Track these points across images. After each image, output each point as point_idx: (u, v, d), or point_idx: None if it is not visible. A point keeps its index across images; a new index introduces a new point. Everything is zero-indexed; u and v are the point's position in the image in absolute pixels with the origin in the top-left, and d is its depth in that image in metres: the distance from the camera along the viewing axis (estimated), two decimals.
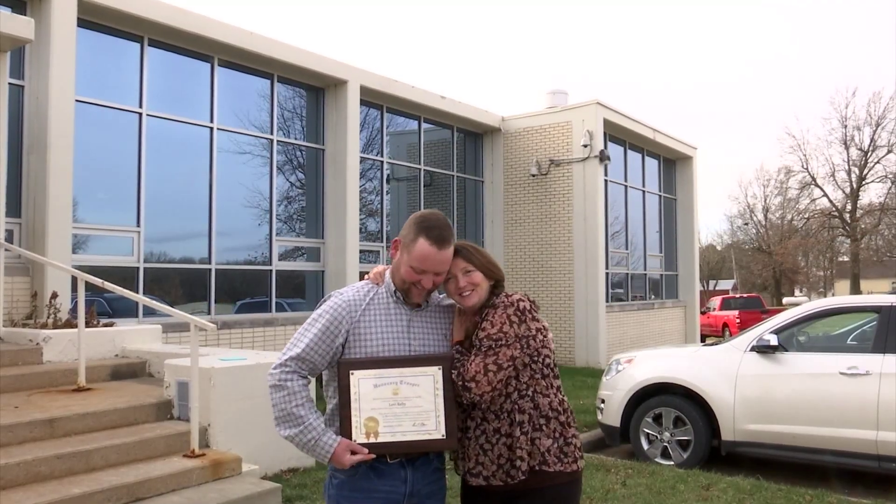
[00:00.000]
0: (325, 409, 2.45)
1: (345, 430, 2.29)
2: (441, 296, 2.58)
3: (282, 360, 2.33)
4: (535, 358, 2.44)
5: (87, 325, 6.14)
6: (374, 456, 2.27)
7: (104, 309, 8.20)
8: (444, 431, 2.30)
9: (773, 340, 6.20)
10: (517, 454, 2.35)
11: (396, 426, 2.29)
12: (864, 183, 38.63)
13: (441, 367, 2.33)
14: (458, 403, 2.41)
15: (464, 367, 2.35)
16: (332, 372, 2.40)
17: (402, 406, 2.30)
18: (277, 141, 10.57)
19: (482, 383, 2.32)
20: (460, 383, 2.33)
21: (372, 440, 2.28)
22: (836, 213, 40.25)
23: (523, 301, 2.45)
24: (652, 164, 17.31)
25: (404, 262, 2.38)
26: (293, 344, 2.36)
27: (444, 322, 2.51)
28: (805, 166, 40.67)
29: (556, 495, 2.40)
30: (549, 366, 2.48)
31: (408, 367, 2.31)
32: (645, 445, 6.69)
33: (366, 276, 2.54)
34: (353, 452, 2.26)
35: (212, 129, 9.65)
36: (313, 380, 2.43)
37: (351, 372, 2.29)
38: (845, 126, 38.25)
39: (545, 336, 2.48)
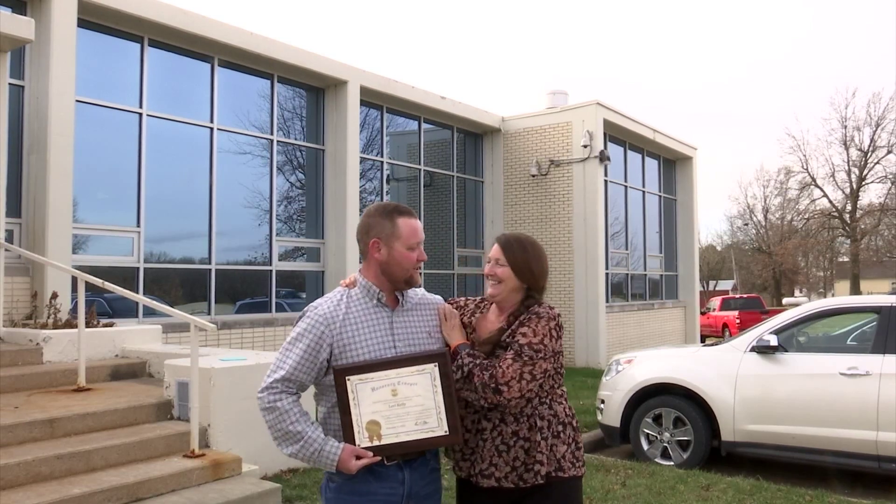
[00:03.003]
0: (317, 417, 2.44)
1: (347, 436, 2.27)
2: (420, 293, 2.56)
3: (267, 383, 2.30)
4: (558, 369, 2.50)
5: (87, 325, 6.14)
6: (379, 458, 2.27)
7: (104, 309, 8.20)
8: (446, 427, 2.29)
9: (773, 341, 6.20)
10: (536, 458, 2.37)
11: (399, 427, 2.28)
12: (863, 183, 38.71)
13: (437, 363, 2.31)
14: (467, 403, 2.42)
15: (497, 369, 2.34)
16: (320, 386, 2.39)
17: (403, 406, 2.28)
18: (277, 141, 10.57)
19: (514, 389, 2.33)
20: (493, 385, 2.32)
21: (376, 443, 2.27)
22: (835, 214, 40.29)
23: (560, 317, 2.50)
24: (652, 165, 17.31)
25: (398, 250, 2.39)
26: (277, 365, 2.33)
27: (426, 320, 2.50)
28: (805, 167, 40.79)
29: (562, 495, 2.43)
30: (562, 374, 2.56)
31: (404, 367, 2.30)
32: (645, 446, 6.69)
33: (340, 283, 2.52)
34: (358, 457, 2.25)
35: (212, 129, 9.65)
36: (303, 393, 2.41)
37: (347, 378, 2.27)
38: (845, 126, 38.38)
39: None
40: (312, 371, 2.32)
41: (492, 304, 2.60)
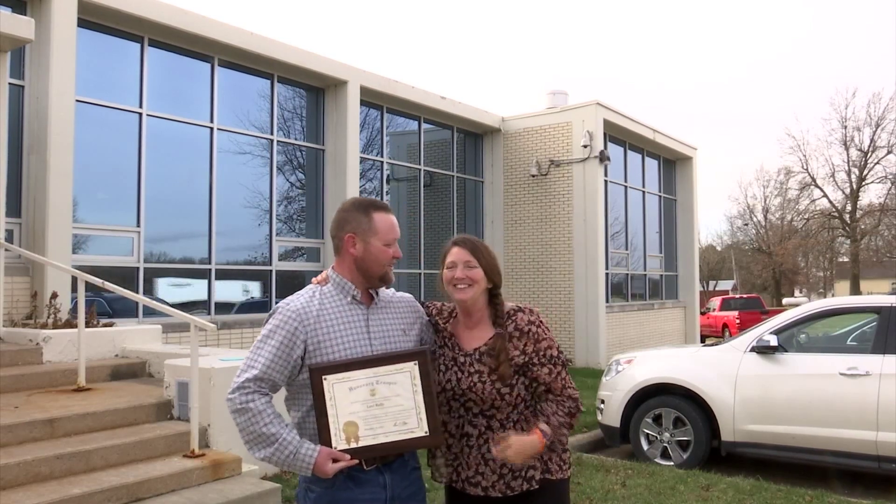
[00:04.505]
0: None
1: (323, 438, 2.19)
2: (391, 291, 2.51)
3: (238, 383, 2.20)
4: None
5: (87, 325, 6.14)
6: (357, 461, 2.20)
7: (104, 309, 8.20)
8: (426, 428, 2.22)
9: (773, 341, 6.20)
10: (529, 462, 2.34)
11: (377, 428, 2.20)
12: (863, 184, 38.68)
13: (417, 362, 2.24)
14: (450, 407, 2.40)
15: (568, 394, 2.41)
16: (292, 387, 2.31)
17: (381, 407, 2.21)
18: (277, 141, 10.57)
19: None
20: (579, 408, 2.41)
21: (353, 445, 2.19)
22: (835, 214, 40.27)
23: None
24: (652, 165, 17.30)
25: (374, 246, 2.33)
26: (248, 364, 2.23)
27: (401, 317, 2.44)
28: (805, 167, 40.76)
29: (551, 498, 2.42)
30: None
31: (383, 366, 2.22)
32: (645, 446, 6.69)
33: (313, 280, 2.45)
34: (335, 460, 2.16)
35: (212, 129, 9.65)
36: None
37: (324, 377, 2.18)
38: (845, 127, 38.34)
39: None
40: (286, 369, 2.23)
41: (453, 310, 2.54)
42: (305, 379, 2.25)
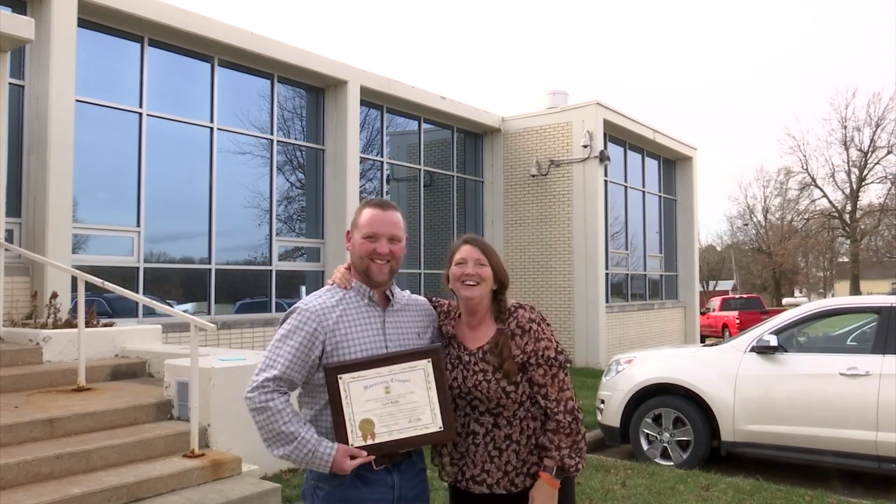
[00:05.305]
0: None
1: (340, 435, 2.23)
2: (406, 294, 2.53)
3: (258, 382, 2.22)
4: None
5: (87, 325, 6.14)
6: (374, 457, 2.23)
7: (104, 309, 8.19)
8: (440, 423, 2.27)
9: (773, 341, 6.20)
10: (532, 459, 2.36)
11: (392, 425, 2.25)
12: (863, 184, 38.69)
13: (430, 359, 2.28)
14: (456, 405, 2.40)
15: (563, 398, 2.38)
16: (308, 385, 2.33)
17: (396, 404, 2.25)
18: (277, 141, 10.57)
19: (573, 397, 2.42)
20: (578, 415, 2.38)
21: (370, 442, 2.23)
22: (835, 214, 40.27)
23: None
24: (652, 165, 17.30)
25: (356, 240, 2.38)
26: (267, 364, 2.25)
27: (416, 319, 2.47)
28: (805, 167, 40.77)
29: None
30: None
31: (397, 364, 2.27)
32: (645, 446, 6.69)
33: (328, 281, 2.46)
34: (353, 457, 2.20)
35: (212, 129, 9.65)
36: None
37: (339, 376, 2.22)
38: (845, 127, 38.35)
39: None
40: (304, 369, 2.26)
41: (457, 309, 2.54)
42: (322, 378, 2.27)
